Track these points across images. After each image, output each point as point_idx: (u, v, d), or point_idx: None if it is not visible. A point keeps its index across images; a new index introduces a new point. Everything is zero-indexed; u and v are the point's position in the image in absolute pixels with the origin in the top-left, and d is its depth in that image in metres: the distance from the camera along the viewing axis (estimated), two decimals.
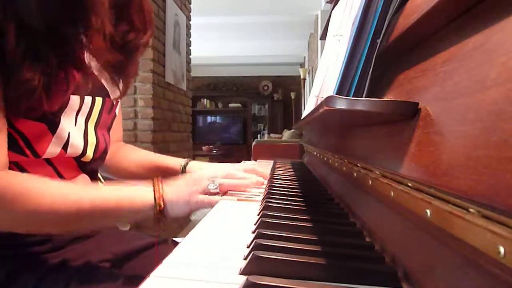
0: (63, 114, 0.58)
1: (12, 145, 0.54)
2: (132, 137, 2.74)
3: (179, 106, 3.26)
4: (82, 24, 0.54)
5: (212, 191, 0.62)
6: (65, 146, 0.60)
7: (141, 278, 0.29)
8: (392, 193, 0.38)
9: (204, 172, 0.67)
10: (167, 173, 0.74)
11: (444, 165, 0.27)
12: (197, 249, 0.39)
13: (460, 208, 0.25)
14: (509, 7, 0.26)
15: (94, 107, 0.65)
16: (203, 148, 6.70)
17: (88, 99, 0.62)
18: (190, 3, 3.58)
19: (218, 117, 8.10)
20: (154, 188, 0.59)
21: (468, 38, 0.30)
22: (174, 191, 0.60)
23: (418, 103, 0.35)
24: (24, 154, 0.56)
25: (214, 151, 6.74)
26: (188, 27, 3.53)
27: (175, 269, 0.32)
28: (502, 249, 0.20)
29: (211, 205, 0.59)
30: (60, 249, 0.61)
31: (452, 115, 0.29)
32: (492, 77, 0.24)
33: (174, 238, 0.84)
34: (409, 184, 0.34)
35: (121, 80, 0.70)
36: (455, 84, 0.30)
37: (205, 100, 8.06)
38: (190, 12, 3.58)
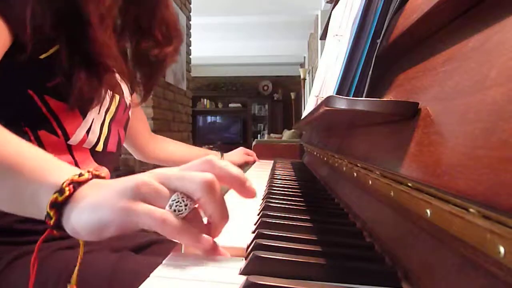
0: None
1: (46, 125, 0.59)
2: None
3: (179, 106, 3.25)
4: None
5: (176, 211, 0.33)
6: (88, 131, 0.64)
7: (140, 276, 0.29)
8: (392, 193, 0.38)
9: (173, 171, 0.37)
10: None
11: (444, 165, 0.27)
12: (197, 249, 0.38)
13: (460, 208, 0.25)
14: (509, 7, 0.26)
15: (113, 103, 0.69)
16: (203, 148, 6.70)
17: (109, 93, 0.67)
18: (190, 3, 3.58)
19: (218, 117, 8.11)
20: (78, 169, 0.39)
21: (468, 38, 0.30)
22: (105, 184, 0.36)
23: (418, 103, 0.35)
24: (56, 134, 0.60)
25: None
26: (188, 27, 3.53)
27: (175, 269, 0.32)
28: (502, 249, 0.20)
29: (160, 225, 0.32)
30: (56, 240, 0.61)
31: (452, 115, 0.29)
32: (492, 77, 0.24)
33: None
34: (409, 184, 0.34)
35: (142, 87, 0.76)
36: (455, 84, 0.30)
37: (205, 100, 8.07)
38: (190, 12, 3.58)
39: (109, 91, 0.67)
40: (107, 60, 0.61)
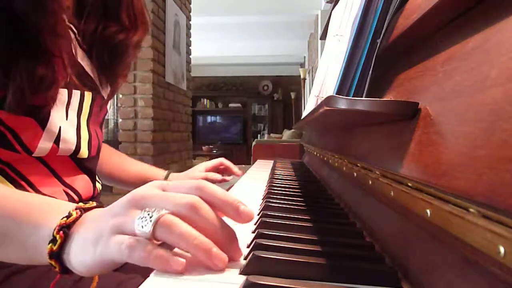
0: (52, 108, 0.56)
1: (1, 141, 0.52)
2: (132, 137, 2.74)
3: (179, 106, 3.26)
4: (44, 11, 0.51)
5: (142, 235, 0.31)
6: (57, 141, 0.58)
7: (141, 278, 0.29)
8: (392, 193, 0.38)
9: (148, 189, 0.35)
10: None
11: (444, 165, 0.27)
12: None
13: (460, 208, 0.25)
14: (509, 7, 0.26)
15: (84, 102, 0.63)
16: (203, 148, 6.70)
17: (76, 93, 0.61)
18: (190, 3, 3.58)
19: (218, 117, 8.11)
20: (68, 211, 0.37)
21: (468, 38, 0.30)
22: (90, 221, 0.36)
23: (418, 103, 0.35)
24: (15, 150, 0.54)
25: (214, 151, 6.75)
26: (188, 27, 3.53)
27: None
28: (502, 249, 0.20)
29: (131, 259, 0.31)
30: None
31: (452, 115, 0.29)
32: (492, 76, 0.24)
33: None
34: (409, 184, 0.34)
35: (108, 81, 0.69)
36: (455, 84, 0.30)
37: (205, 100, 8.07)
38: (190, 12, 3.58)
39: (75, 91, 0.60)
40: (54, 46, 0.53)
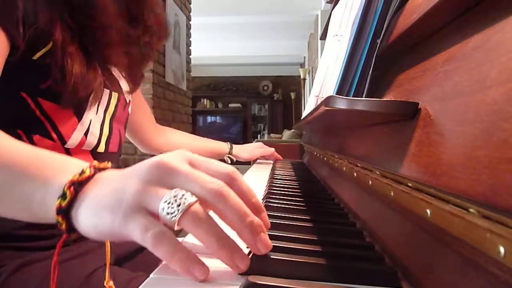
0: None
1: (40, 129, 0.57)
2: None
3: (179, 106, 3.26)
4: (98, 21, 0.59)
5: (166, 221, 0.30)
6: (86, 133, 0.63)
7: (142, 277, 0.29)
8: (392, 193, 0.38)
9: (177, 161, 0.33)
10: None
11: (444, 165, 0.27)
12: (197, 249, 0.38)
13: (460, 208, 0.25)
14: (509, 7, 0.26)
15: (111, 101, 0.69)
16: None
17: (106, 91, 0.67)
18: (190, 3, 3.58)
19: (218, 117, 8.11)
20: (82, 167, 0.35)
21: (468, 38, 0.30)
22: (107, 181, 0.34)
23: (418, 103, 0.35)
24: (51, 139, 0.59)
25: None
26: (188, 27, 3.53)
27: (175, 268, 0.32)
28: (502, 249, 0.20)
29: (156, 247, 0.29)
30: (63, 247, 0.61)
31: (452, 115, 0.29)
32: (492, 76, 0.24)
33: None
34: (409, 184, 0.34)
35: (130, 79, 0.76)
36: (455, 84, 0.30)
37: (205, 100, 8.07)
38: (190, 12, 3.58)
39: (106, 89, 0.66)
40: (111, 52, 0.61)
